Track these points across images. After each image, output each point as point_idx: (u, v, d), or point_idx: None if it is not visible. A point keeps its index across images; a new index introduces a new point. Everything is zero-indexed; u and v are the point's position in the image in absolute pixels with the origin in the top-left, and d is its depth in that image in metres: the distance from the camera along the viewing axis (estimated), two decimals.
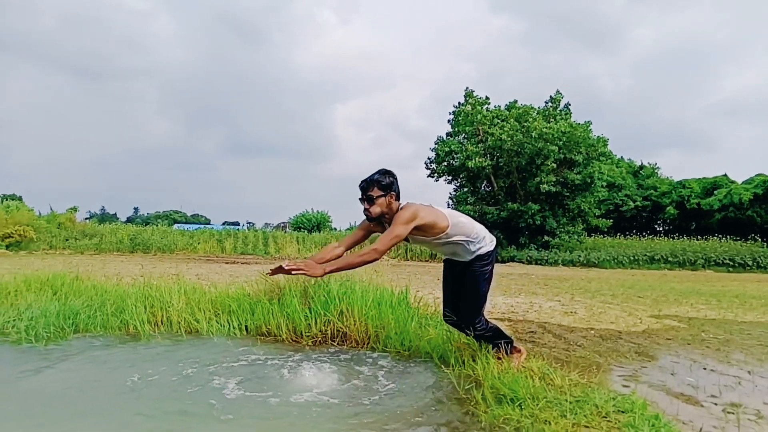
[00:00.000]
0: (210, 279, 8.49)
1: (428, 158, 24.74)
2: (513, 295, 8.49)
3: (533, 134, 20.54)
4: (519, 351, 3.33)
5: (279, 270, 2.68)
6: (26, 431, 2.29)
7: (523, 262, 19.90)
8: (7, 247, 18.46)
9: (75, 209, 23.88)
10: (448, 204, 24.84)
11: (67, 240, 20.67)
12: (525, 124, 21.21)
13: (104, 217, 58.27)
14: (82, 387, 2.94)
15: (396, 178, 2.99)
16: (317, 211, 39.28)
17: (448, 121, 24.60)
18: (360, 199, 2.98)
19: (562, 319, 5.87)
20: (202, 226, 40.10)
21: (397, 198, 2.99)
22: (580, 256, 20.00)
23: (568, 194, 21.65)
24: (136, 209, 79.09)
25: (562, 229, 21.84)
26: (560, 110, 22.82)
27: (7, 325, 4.15)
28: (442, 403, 2.73)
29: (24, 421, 2.39)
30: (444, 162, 23.94)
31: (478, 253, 3.10)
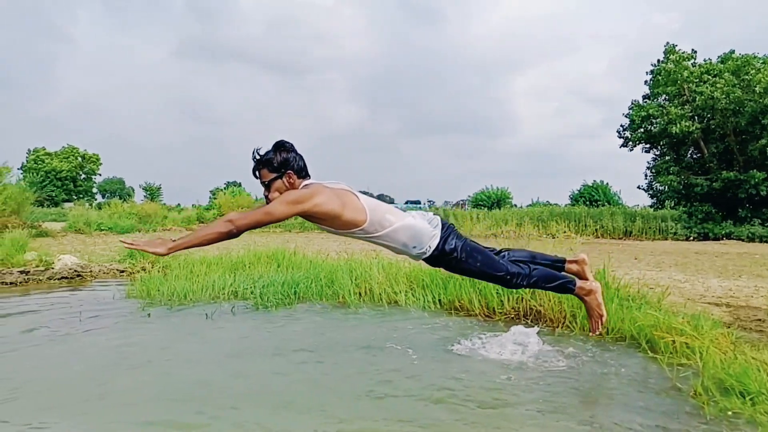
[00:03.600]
0: (401, 256, 9.04)
1: (621, 125, 22.48)
2: (731, 277, 7.37)
3: (757, 89, 17.23)
4: (589, 289, 2.80)
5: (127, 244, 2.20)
6: (302, 359, 2.78)
7: (743, 240, 17.04)
8: None
9: None
10: (646, 175, 22.37)
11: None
12: (745, 77, 17.89)
13: None
14: (318, 342, 3.44)
15: (293, 152, 2.43)
16: (497, 188, 38.74)
17: (645, 82, 21.96)
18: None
19: None
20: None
21: (302, 175, 2.44)
22: None
23: None
24: None
25: None
26: None
27: (246, 291, 5.01)
28: (654, 391, 2.56)
29: (290, 355, 2.89)
30: (640, 128, 21.48)
31: (428, 254, 2.61)
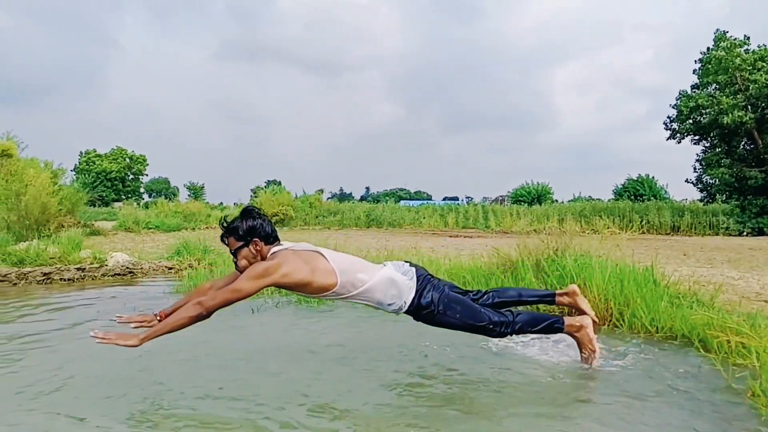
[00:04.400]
0: (439, 251, 9.01)
1: (668, 117, 21.68)
2: None
3: None
4: (579, 325, 2.77)
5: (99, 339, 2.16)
6: (338, 354, 2.83)
7: None
8: (275, 223, 22.51)
9: (321, 191, 27.84)
10: (695, 168, 21.49)
11: (317, 217, 24.20)
12: None
13: (342, 197, 65.85)
14: (354, 339, 3.48)
15: (260, 218, 2.45)
16: (537, 183, 38.00)
17: (693, 71, 21.07)
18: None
19: None
20: (424, 202, 42.50)
21: (270, 241, 2.46)
22: None
23: None
24: (367, 188, 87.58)
25: None
26: None
27: None
28: (707, 391, 2.47)
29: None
30: (689, 120, 20.65)
31: (404, 310, 2.55)
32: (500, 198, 43.87)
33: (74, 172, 52.77)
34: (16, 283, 6.09)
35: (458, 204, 33.12)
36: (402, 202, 42.90)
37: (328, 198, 38.55)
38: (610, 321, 3.80)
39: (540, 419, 2.21)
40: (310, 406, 2.31)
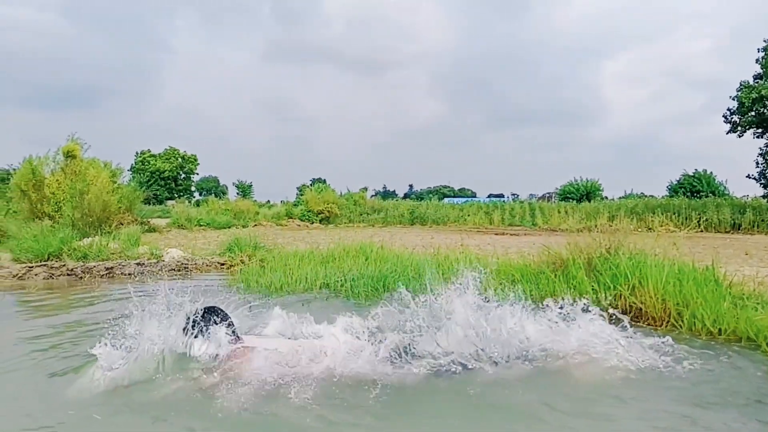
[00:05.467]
0: (485, 249, 8.91)
1: (728, 109, 20.61)
2: None
3: None
4: None
5: None
6: None
7: None
8: (320, 221, 22.78)
9: (365, 189, 28.02)
10: (757, 163, 20.36)
11: (361, 215, 24.38)
12: None
13: (386, 194, 66.07)
14: None
15: (221, 316, 2.72)
16: (586, 179, 36.90)
17: (756, 60, 19.92)
18: None
19: None
20: (468, 199, 42.07)
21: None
22: None
23: None
24: (410, 186, 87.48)
25: None
26: None
27: (337, 284, 5.18)
28: None
29: None
30: (751, 112, 19.56)
31: None
32: (547, 195, 42.87)
33: (130, 172, 55.21)
34: (81, 277, 6.45)
35: (504, 201, 32.60)
36: (446, 199, 42.62)
37: (372, 196, 38.76)
38: (668, 321, 3.67)
39: (596, 422, 2.17)
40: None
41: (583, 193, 35.20)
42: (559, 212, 23.10)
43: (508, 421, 2.17)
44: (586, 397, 2.42)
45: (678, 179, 33.43)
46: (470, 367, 2.79)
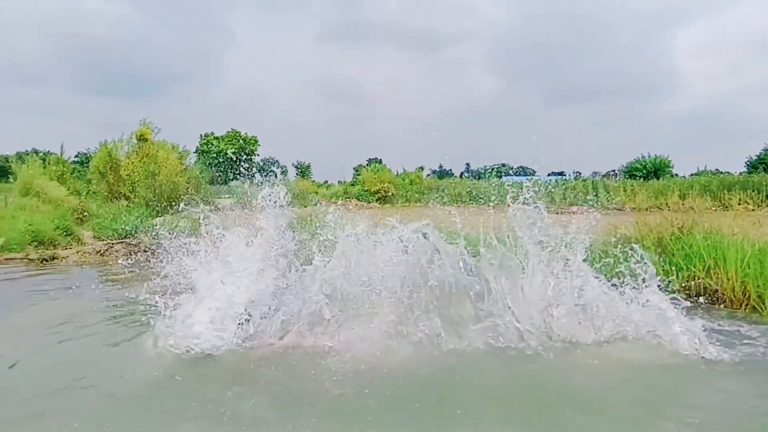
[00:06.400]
0: None
1: None
2: None
3: None
4: None
5: None
6: None
7: None
8: (377, 200, 22.98)
9: (421, 168, 27.91)
10: None
11: (417, 194, 24.33)
12: None
13: (442, 174, 65.40)
14: None
15: None
16: (654, 156, 34.99)
17: None
18: None
19: None
20: (528, 177, 40.89)
21: None
22: None
23: None
24: (467, 164, 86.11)
25: None
26: None
27: None
28: None
29: None
30: None
31: None
32: (612, 173, 40.99)
33: (195, 154, 57.57)
34: (155, 253, 6.86)
35: (565, 179, 31.55)
36: (504, 177, 41.69)
37: (428, 175, 38.50)
38: (748, 304, 3.48)
39: (671, 411, 2.10)
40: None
41: (650, 170, 33.44)
42: (624, 190, 22.08)
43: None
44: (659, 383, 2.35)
45: (758, 154, 31.11)
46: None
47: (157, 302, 3.64)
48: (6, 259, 7.30)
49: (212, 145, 60.82)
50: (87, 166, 15.15)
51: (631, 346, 2.82)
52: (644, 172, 33.53)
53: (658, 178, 28.09)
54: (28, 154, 17.41)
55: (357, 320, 3.20)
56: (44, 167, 12.73)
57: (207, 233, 3.67)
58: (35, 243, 7.94)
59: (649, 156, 35.25)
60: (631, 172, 34.53)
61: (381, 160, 53.13)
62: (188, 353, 2.81)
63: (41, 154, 18.23)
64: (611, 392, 2.26)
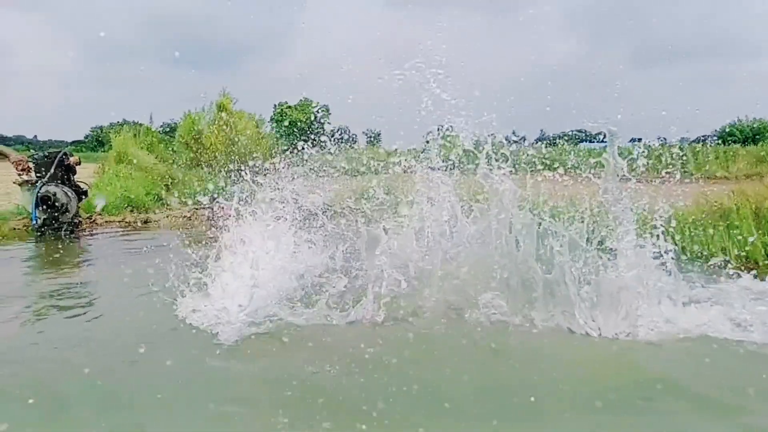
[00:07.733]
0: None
1: None
2: None
3: None
4: None
5: None
6: None
7: None
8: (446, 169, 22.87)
9: (493, 135, 27.19)
10: None
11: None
12: None
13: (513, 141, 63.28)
14: None
15: None
16: (753, 119, 31.98)
17: None
18: None
19: None
20: (606, 144, 38.73)
21: None
22: None
23: None
24: (542, 130, 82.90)
25: None
26: None
27: None
28: None
29: None
30: None
31: None
32: (702, 138, 37.93)
33: (270, 123, 59.35)
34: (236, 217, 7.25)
35: (650, 146, 29.59)
36: (582, 144, 39.79)
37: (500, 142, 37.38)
38: None
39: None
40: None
41: (748, 135, 30.64)
42: (717, 157, 20.28)
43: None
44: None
45: None
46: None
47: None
48: (106, 221, 8.02)
49: (286, 114, 62.39)
50: (172, 136, 16.07)
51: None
52: (741, 137, 30.80)
53: (756, 144, 25.68)
54: (120, 125, 18.68)
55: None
56: (135, 137, 13.64)
57: (284, 199, 3.77)
58: (130, 208, 8.65)
59: (747, 119, 32.28)
60: (725, 138, 31.84)
61: (452, 127, 52.32)
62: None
63: (132, 125, 19.55)
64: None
